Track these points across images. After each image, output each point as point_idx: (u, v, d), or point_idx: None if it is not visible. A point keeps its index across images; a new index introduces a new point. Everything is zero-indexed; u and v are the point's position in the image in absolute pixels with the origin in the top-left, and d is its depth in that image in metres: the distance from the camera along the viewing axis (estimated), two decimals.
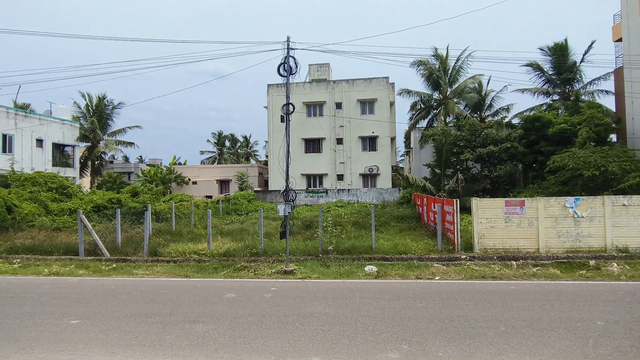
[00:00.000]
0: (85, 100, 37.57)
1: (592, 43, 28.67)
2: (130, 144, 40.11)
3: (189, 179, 39.29)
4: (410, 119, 36.60)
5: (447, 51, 32.02)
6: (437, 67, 31.94)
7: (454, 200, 12.93)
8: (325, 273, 10.44)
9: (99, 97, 37.55)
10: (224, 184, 40.19)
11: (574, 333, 5.84)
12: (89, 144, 37.51)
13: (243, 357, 5.20)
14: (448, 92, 32.18)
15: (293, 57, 11.76)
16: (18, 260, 13.03)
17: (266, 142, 42.12)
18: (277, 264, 11.47)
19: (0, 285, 9.78)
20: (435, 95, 33.24)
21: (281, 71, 11.75)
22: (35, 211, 18.46)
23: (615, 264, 10.74)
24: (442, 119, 31.03)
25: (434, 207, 14.69)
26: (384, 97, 32.63)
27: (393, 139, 36.84)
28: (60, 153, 33.78)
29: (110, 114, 38.02)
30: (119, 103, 38.18)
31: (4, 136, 28.22)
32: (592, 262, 11.01)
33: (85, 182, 38.40)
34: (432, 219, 15.44)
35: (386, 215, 20.12)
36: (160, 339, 5.87)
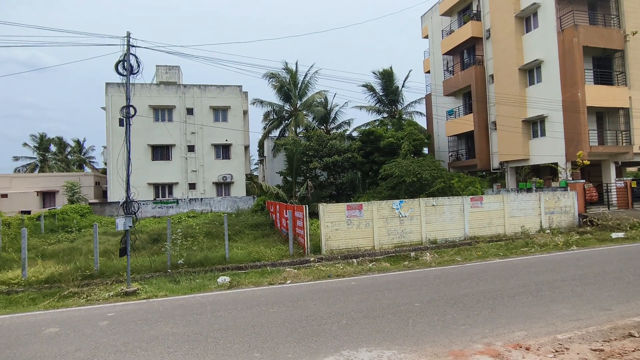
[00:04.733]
0: None
1: (409, 72, 34.78)
2: None
3: None
4: (264, 128, 37.49)
5: (297, 66, 34.05)
6: (287, 80, 33.61)
7: (304, 206, 13.78)
8: (174, 289, 9.77)
9: None
10: (48, 196, 33.54)
11: (399, 316, 6.91)
12: None
13: None
14: (298, 105, 34.17)
15: (134, 55, 10.72)
16: None
17: (104, 147, 36.99)
18: (116, 286, 10.19)
19: None
20: (287, 106, 34.89)
21: (120, 69, 10.58)
22: None
23: (428, 254, 13.14)
24: (293, 129, 32.75)
25: (286, 214, 15.35)
26: (237, 105, 32.52)
27: (247, 147, 36.99)
28: None
29: None
30: None
31: None
32: (412, 254, 13.21)
33: None
34: (285, 225, 16.09)
35: (240, 223, 20.05)
36: None
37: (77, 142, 56.73)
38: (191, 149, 31.67)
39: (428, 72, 33.54)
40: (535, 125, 22.83)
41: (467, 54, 28.39)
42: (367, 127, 30.38)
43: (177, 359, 5.46)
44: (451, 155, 29.74)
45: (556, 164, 20.76)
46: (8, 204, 31.16)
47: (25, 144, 51.95)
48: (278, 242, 15.51)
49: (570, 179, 19.47)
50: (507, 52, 23.63)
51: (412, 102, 35.95)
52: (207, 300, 8.65)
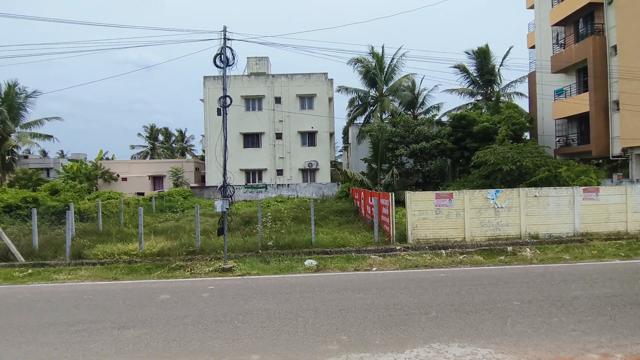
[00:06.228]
0: None
1: (510, 49, 31.54)
2: (49, 137, 36.17)
3: (118, 175, 36.64)
4: (349, 115, 37.46)
5: (383, 50, 33.17)
6: (373, 65, 32.95)
7: (389, 194, 13.47)
8: (265, 269, 10.35)
9: (8, 84, 33.24)
10: (157, 180, 38.05)
11: (495, 314, 6.40)
12: None
13: None
14: (384, 90, 33.37)
15: (230, 48, 11.39)
16: None
17: (202, 136, 40.58)
18: (215, 262, 11.13)
19: None
20: (372, 92, 34.31)
21: (217, 62, 11.33)
22: None
23: (528, 249, 11.94)
24: (378, 115, 32.15)
25: (371, 201, 15.19)
26: (322, 92, 32.96)
27: (332, 134, 37.43)
28: None
29: (23, 104, 33.83)
30: (34, 91, 33.92)
31: None
32: (509, 249, 12.12)
33: None
34: (369, 212, 15.96)
35: (325, 209, 20.43)
36: (84, 348, 5.42)
37: (180, 132, 63.18)
38: (279, 136, 33.08)
39: (532, 47, 30.01)
40: None
41: (583, 23, 24.72)
42: (459, 112, 28.44)
43: (270, 333, 5.76)
44: (559, 141, 26.46)
45: None
46: (127, 186, 36.07)
47: (139, 134, 59.55)
48: (362, 229, 15.47)
49: None
50: (637, 18, 20.02)
51: (511, 82, 32.71)
52: (296, 281, 8.99)
